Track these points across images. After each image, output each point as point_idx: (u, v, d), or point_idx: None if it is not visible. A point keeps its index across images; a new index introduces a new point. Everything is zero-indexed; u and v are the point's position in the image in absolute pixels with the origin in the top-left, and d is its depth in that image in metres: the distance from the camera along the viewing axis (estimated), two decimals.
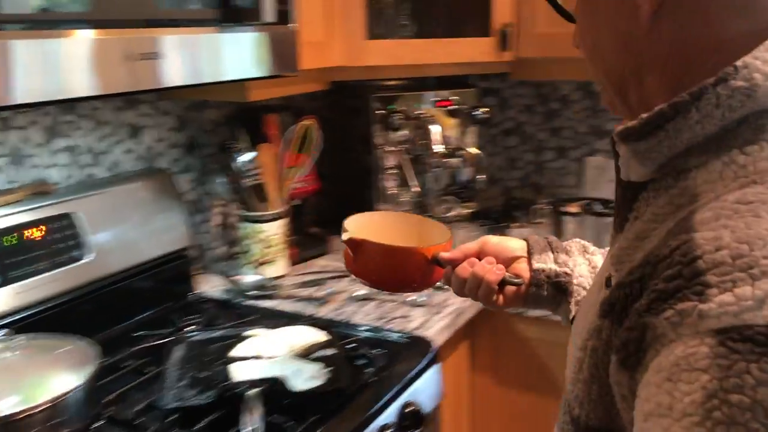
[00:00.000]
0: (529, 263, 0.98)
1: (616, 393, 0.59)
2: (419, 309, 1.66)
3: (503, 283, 0.96)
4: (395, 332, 1.54)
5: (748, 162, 0.57)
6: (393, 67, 1.94)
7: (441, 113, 2.08)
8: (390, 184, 2.08)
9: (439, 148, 2.01)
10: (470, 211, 2.08)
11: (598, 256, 1.00)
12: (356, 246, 1.04)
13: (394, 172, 2.08)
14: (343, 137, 2.27)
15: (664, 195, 0.63)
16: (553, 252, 0.99)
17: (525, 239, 1.02)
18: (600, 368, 0.61)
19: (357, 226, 1.09)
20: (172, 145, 1.82)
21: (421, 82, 2.09)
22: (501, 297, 0.98)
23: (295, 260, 1.97)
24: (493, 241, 1.01)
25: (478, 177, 2.09)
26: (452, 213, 2.05)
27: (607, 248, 0.79)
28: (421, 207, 2.12)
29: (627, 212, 0.68)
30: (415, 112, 2.05)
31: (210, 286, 1.83)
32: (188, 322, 1.59)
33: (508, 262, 0.99)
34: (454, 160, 2.02)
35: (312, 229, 2.13)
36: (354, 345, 1.45)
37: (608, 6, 0.65)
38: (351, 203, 2.36)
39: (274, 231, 1.83)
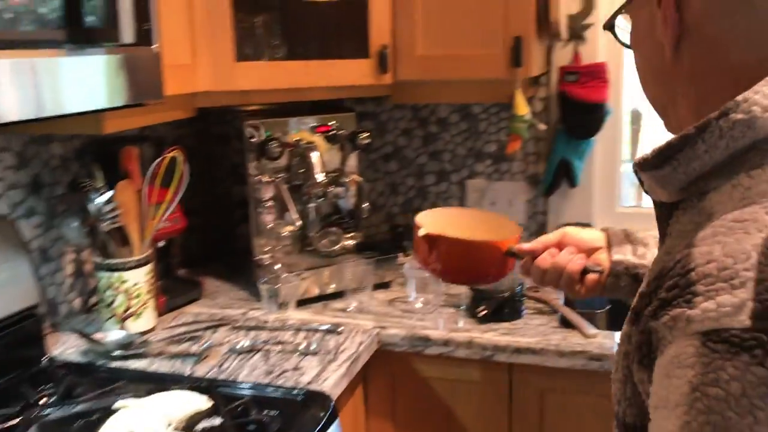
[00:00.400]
0: (609, 254, 1.04)
1: (642, 391, 0.66)
2: (311, 358, 1.50)
3: (584, 272, 1.02)
4: (288, 388, 1.37)
5: (752, 184, 0.64)
6: (266, 92, 1.78)
7: (320, 139, 1.94)
8: (268, 218, 1.91)
9: (320, 176, 1.87)
10: (355, 242, 1.94)
11: None
12: (433, 241, 1.07)
13: (272, 204, 1.91)
14: (210, 168, 2.08)
15: (688, 214, 0.70)
16: (631, 244, 1.03)
17: (604, 230, 1.08)
18: (630, 370, 0.68)
19: (429, 221, 1.12)
20: (11, 185, 1.56)
21: (297, 107, 1.94)
22: (582, 287, 1.03)
23: (164, 310, 1.76)
24: (573, 231, 1.07)
25: (361, 205, 1.97)
26: (337, 246, 1.91)
27: None
28: (302, 240, 1.97)
29: (665, 228, 0.75)
30: (293, 139, 1.90)
31: (66, 347, 1.58)
32: (42, 394, 1.35)
33: (588, 252, 1.05)
34: (336, 189, 1.89)
35: (180, 272, 1.92)
36: (242, 408, 1.27)
37: (644, 45, 0.76)
38: (223, 240, 2.20)
39: (139, 279, 1.61)
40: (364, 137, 1.91)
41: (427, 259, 1.10)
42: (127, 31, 1.13)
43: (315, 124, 1.94)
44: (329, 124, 1.96)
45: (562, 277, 1.03)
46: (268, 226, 1.92)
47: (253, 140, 1.86)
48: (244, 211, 2.03)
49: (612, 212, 2.22)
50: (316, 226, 1.96)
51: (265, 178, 1.89)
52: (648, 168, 0.72)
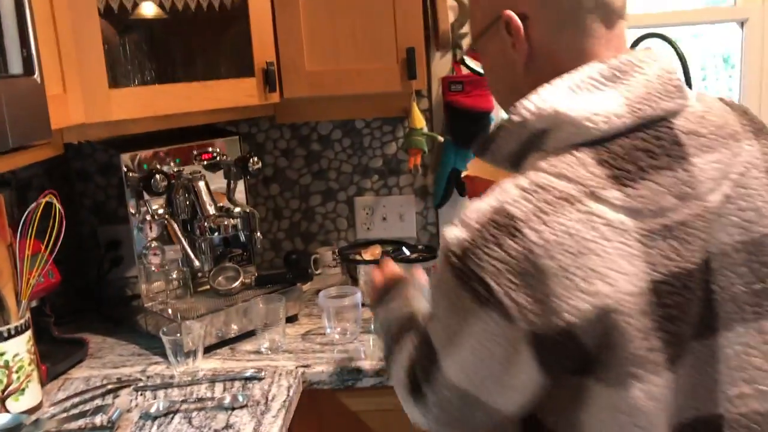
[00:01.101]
0: None
1: None
2: (241, 412, 1.35)
3: None
4: None
5: (528, 164, 0.88)
6: (144, 120, 1.59)
7: (204, 168, 1.77)
8: (154, 260, 1.72)
9: (211, 209, 1.71)
10: (254, 276, 1.79)
11: None
12: (470, 180, 1.53)
13: (156, 245, 1.72)
14: (71, 209, 1.84)
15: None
16: None
17: None
18: None
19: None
20: None
21: (171, 134, 1.76)
22: None
23: (46, 380, 1.51)
24: None
25: (255, 237, 1.83)
26: (236, 283, 1.75)
27: None
28: (193, 281, 1.79)
29: None
30: (176, 169, 1.72)
31: None
32: None
33: None
34: (227, 222, 1.73)
35: (57, 333, 1.67)
36: None
37: (498, 65, 0.99)
38: (94, 288, 1.93)
39: (20, 348, 1.37)
40: (254, 162, 1.77)
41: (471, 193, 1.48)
42: (15, 60, 0.93)
43: (197, 152, 1.77)
44: (210, 151, 1.80)
45: None
46: (154, 270, 1.73)
47: (132, 175, 1.66)
48: (116, 253, 1.82)
49: None
50: (209, 264, 1.79)
51: (148, 217, 1.70)
52: (480, 153, 0.98)
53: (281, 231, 2.23)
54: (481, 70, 1.05)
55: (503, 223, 0.81)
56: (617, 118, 0.85)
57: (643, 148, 0.85)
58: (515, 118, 0.89)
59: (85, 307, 1.91)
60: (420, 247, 1.67)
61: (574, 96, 0.87)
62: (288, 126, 2.15)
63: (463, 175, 1.41)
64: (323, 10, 1.75)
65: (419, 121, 1.82)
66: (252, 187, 2.17)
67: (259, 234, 1.83)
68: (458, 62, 0.99)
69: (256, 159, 1.77)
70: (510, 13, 0.92)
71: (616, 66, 0.89)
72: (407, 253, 1.64)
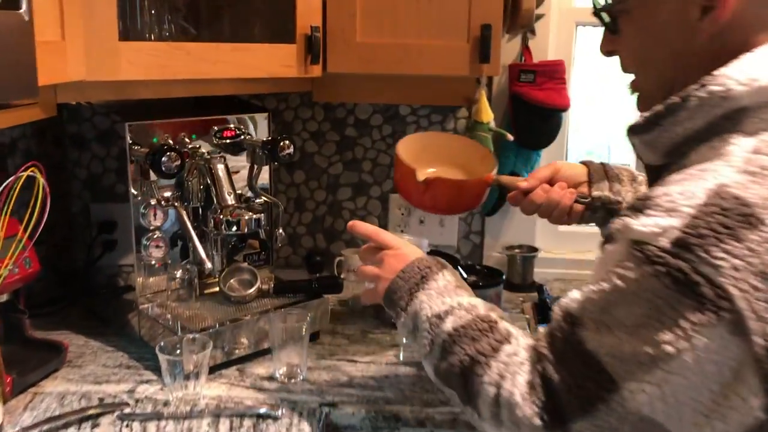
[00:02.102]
0: (589, 189, 1.19)
1: None
2: None
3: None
4: None
5: (722, 145, 0.75)
6: (158, 83, 1.30)
7: (224, 149, 1.47)
8: (156, 253, 1.42)
9: (230, 198, 1.41)
10: (273, 282, 1.50)
11: (644, 187, 1.17)
12: (429, 183, 1.19)
13: (161, 236, 1.42)
14: (61, 180, 1.55)
15: (673, 174, 0.77)
16: (609, 181, 1.19)
17: (584, 164, 1.22)
18: None
19: (409, 151, 1.25)
20: None
21: (192, 104, 1.47)
22: (569, 218, 1.19)
23: (11, 394, 1.22)
24: (565, 167, 1.20)
25: (276, 234, 1.53)
26: (252, 289, 1.46)
27: None
28: (203, 282, 1.49)
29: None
30: (190, 146, 1.43)
31: None
32: None
33: (574, 186, 1.20)
34: (248, 215, 1.43)
35: (30, 333, 1.38)
36: None
37: (665, 29, 0.82)
38: (81, 276, 1.63)
39: None
40: (286, 146, 1.47)
41: (420, 199, 1.21)
42: None
43: (217, 129, 1.47)
44: (232, 127, 1.50)
45: (555, 210, 1.18)
46: (157, 265, 1.44)
47: (137, 148, 1.36)
48: (109, 236, 1.53)
49: (555, 232, 1.95)
50: (219, 261, 1.50)
51: (153, 201, 1.40)
52: (638, 132, 0.83)
53: (302, 225, 1.93)
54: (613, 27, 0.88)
55: (736, 211, 0.68)
56: None
57: None
58: (715, 88, 0.75)
59: (68, 296, 1.62)
60: (479, 267, 1.37)
61: None
62: (321, 105, 1.85)
63: (420, 179, 1.17)
64: None
65: (487, 114, 1.53)
66: (274, 172, 1.87)
67: (281, 230, 1.54)
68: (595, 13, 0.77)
69: (288, 143, 1.47)
70: None
71: None
72: (462, 273, 1.34)
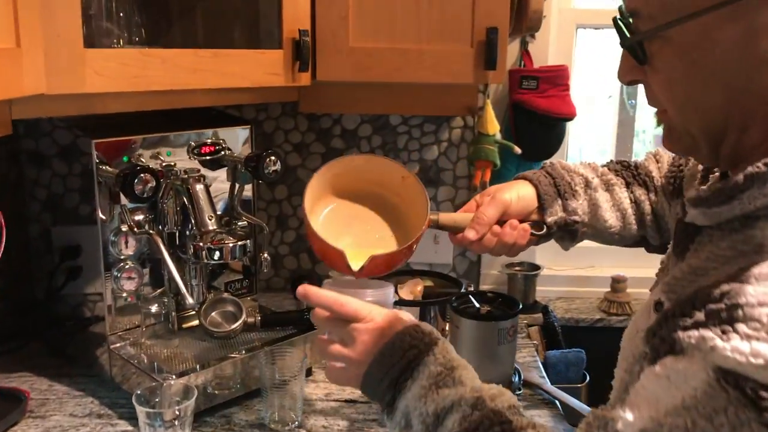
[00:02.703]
0: (543, 215, 1.04)
1: None
2: None
3: None
4: None
5: None
6: (128, 96, 1.14)
7: (203, 165, 1.33)
8: (129, 286, 1.27)
9: (210, 222, 1.26)
10: (260, 316, 1.35)
11: (600, 193, 1.06)
12: (364, 268, 0.96)
13: (133, 266, 1.27)
14: (27, 204, 1.38)
15: (727, 238, 0.64)
16: (562, 199, 1.04)
17: (535, 185, 1.05)
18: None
19: (314, 205, 1.02)
20: None
21: (166, 118, 1.31)
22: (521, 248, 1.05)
23: None
24: (514, 202, 1.03)
25: (260, 260, 1.39)
26: (237, 323, 1.31)
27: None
28: (181, 315, 1.34)
29: (688, 242, 0.70)
30: (165, 165, 1.27)
31: None
32: None
33: (528, 216, 1.05)
34: (230, 241, 1.28)
35: None
36: None
37: (722, 62, 0.62)
38: (41, 308, 1.45)
39: None
40: (271, 162, 1.32)
41: (355, 275, 0.97)
42: None
43: (195, 144, 1.32)
44: (211, 142, 1.35)
45: (510, 250, 1.04)
46: (128, 299, 1.28)
47: (106, 169, 1.20)
48: (74, 262, 1.37)
49: (556, 247, 1.83)
50: (198, 291, 1.35)
51: (124, 227, 1.25)
52: (705, 206, 0.66)
53: (284, 245, 1.79)
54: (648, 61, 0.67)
55: None
56: None
57: None
58: None
59: (28, 330, 1.45)
60: (491, 294, 1.23)
61: None
62: (305, 115, 1.70)
63: (355, 268, 0.94)
64: None
65: (493, 125, 1.41)
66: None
67: (266, 255, 1.40)
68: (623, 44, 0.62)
69: (273, 158, 1.33)
70: None
71: None
72: (475, 303, 1.21)
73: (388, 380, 0.78)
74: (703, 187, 0.68)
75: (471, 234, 1.01)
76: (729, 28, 0.60)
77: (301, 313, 1.37)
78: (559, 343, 1.58)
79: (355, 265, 0.95)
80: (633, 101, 1.95)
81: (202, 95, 1.25)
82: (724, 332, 0.55)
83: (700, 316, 0.58)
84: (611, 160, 1.12)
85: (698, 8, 0.61)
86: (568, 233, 1.06)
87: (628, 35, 0.66)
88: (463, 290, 1.37)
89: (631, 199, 1.06)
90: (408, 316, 0.86)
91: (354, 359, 0.81)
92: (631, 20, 0.66)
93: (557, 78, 1.56)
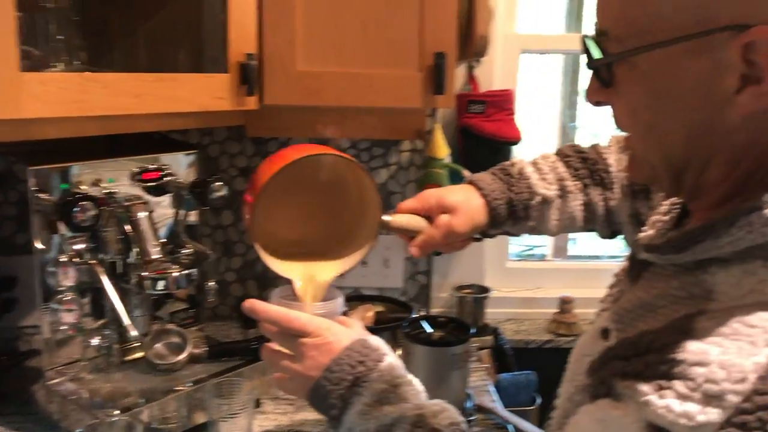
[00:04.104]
0: (489, 229, 1.01)
1: None
2: None
3: None
4: None
5: (765, 275, 0.57)
6: (67, 121, 1.10)
7: (146, 192, 1.29)
8: (68, 318, 1.21)
9: (154, 251, 1.22)
10: (206, 346, 1.31)
11: (553, 207, 1.01)
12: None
13: (73, 297, 1.21)
14: None
15: (680, 277, 0.63)
16: (512, 219, 1.00)
17: (488, 203, 0.98)
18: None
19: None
20: None
21: (106, 144, 1.27)
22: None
23: None
24: (464, 230, 0.97)
25: (207, 288, 1.35)
26: (183, 355, 1.27)
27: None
28: (123, 348, 1.29)
29: (643, 269, 0.69)
30: (106, 192, 1.23)
31: None
32: None
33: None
34: (175, 270, 1.24)
35: None
36: None
37: (686, 95, 0.60)
38: None
39: None
40: (217, 188, 1.29)
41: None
42: None
43: (137, 170, 1.28)
44: (154, 168, 1.32)
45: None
46: (68, 332, 1.23)
47: (43, 197, 1.15)
48: (8, 294, 1.31)
49: (504, 269, 1.85)
50: (143, 324, 1.30)
51: (64, 257, 1.20)
52: (659, 253, 0.65)
53: (231, 271, 1.75)
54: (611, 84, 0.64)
55: None
56: None
57: None
58: None
59: None
60: (443, 319, 1.22)
61: None
62: (252, 139, 1.68)
63: (308, 300, 0.90)
64: None
65: (442, 149, 1.41)
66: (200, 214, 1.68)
67: (212, 283, 1.36)
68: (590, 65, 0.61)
69: (220, 184, 1.30)
70: None
71: None
72: (427, 329, 1.20)
73: (334, 396, 0.79)
74: (657, 238, 0.67)
75: (414, 252, 0.99)
76: (695, 61, 0.58)
77: (249, 343, 1.33)
78: (510, 365, 1.58)
79: (304, 296, 0.92)
80: (573, 124, 1.99)
81: (145, 120, 1.21)
82: (660, 388, 0.54)
83: (640, 365, 0.57)
84: (573, 150, 1.06)
85: (666, 37, 0.58)
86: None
87: (595, 56, 0.64)
88: (414, 315, 1.36)
89: (584, 203, 1.02)
90: (358, 327, 0.87)
91: (302, 374, 0.82)
92: (601, 40, 0.63)
93: (503, 102, 1.58)
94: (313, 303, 0.90)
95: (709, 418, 0.51)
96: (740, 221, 0.58)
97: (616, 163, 1.03)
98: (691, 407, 0.52)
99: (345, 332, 0.83)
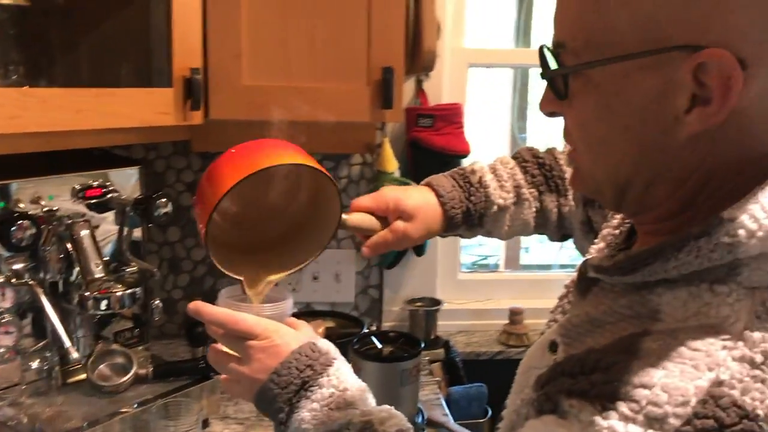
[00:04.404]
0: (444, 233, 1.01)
1: None
2: None
3: None
4: None
5: (713, 302, 0.57)
6: (4, 138, 1.07)
7: (88, 209, 1.26)
8: (6, 341, 1.17)
9: (97, 270, 1.19)
10: (152, 366, 1.28)
11: (508, 215, 1.01)
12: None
13: (10, 319, 1.18)
14: None
15: (627, 296, 0.63)
16: (467, 226, 1.00)
17: (445, 211, 0.98)
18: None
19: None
20: None
21: (47, 160, 1.24)
22: None
23: None
24: (419, 235, 0.96)
25: (151, 306, 1.33)
26: (128, 376, 1.23)
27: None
28: (66, 370, 1.25)
29: (591, 284, 0.69)
30: (47, 210, 1.20)
31: None
32: None
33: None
34: (118, 289, 1.21)
35: None
36: None
37: (637, 111, 0.60)
38: None
39: None
40: (162, 205, 1.27)
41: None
42: None
43: (79, 187, 1.25)
44: (97, 185, 1.29)
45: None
46: (5, 354, 1.18)
47: None
48: None
49: (455, 281, 1.86)
50: (87, 345, 1.27)
51: (1, 278, 1.16)
52: (607, 274, 0.65)
53: (178, 289, 1.72)
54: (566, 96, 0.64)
55: (736, 427, 0.51)
56: None
57: None
58: (724, 239, 0.56)
59: None
60: (393, 334, 1.22)
61: None
62: (198, 154, 1.65)
63: (256, 300, 0.87)
64: (274, 6, 1.29)
65: (391, 163, 1.41)
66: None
67: (158, 302, 1.34)
68: (543, 75, 0.61)
69: (164, 200, 1.28)
70: (726, 55, 0.54)
71: None
72: (377, 344, 1.19)
73: (281, 400, 0.77)
74: (606, 260, 0.66)
75: (366, 252, 0.97)
76: (648, 78, 0.58)
77: (197, 362, 1.31)
78: (461, 378, 1.59)
79: (254, 296, 0.88)
80: (524, 135, 2.01)
81: (86, 136, 1.18)
82: (604, 408, 0.54)
83: (585, 384, 0.57)
84: (531, 155, 1.05)
85: (621, 52, 0.58)
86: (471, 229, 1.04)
87: (551, 67, 0.64)
88: (365, 330, 1.35)
89: (537, 210, 1.03)
90: (307, 329, 0.85)
91: (249, 376, 0.80)
92: (558, 52, 0.63)
93: (452, 116, 1.59)
94: (262, 304, 0.87)
95: None
96: (689, 246, 0.58)
97: (569, 169, 1.03)
98: (634, 429, 0.52)
99: (293, 335, 0.82)
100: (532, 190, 1.03)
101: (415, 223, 0.95)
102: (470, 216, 0.99)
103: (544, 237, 1.09)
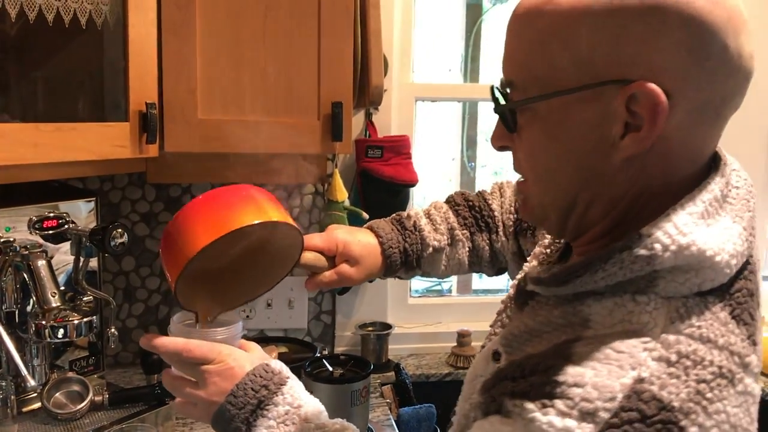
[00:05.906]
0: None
1: None
2: None
3: None
4: None
5: (635, 310, 0.64)
6: None
7: (44, 240, 1.28)
8: None
9: (53, 300, 1.22)
10: (108, 394, 1.30)
11: (443, 256, 1.08)
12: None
13: None
14: None
15: (561, 307, 0.70)
16: (405, 267, 1.06)
17: (386, 259, 1.04)
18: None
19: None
20: None
21: (6, 192, 1.26)
22: None
23: None
24: (361, 276, 1.02)
25: (109, 333, 1.35)
26: (83, 404, 1.26)
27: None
28: (20, 399, 1.27)
29: (528, 298, 0.76)
30: (2, 240, 1.22)
31: None
32: None
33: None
34: (75, 318, 1.24)
35: None
36: None
37: (579, 139, 0.67)
38: None
39: None
40: (118, 235, 1.30)
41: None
42: None
43: (36, 218, 1.28)
44: (53, 216, 1.32)
45: None
46: None
47: None
48: None
49: (406, 306, 1.92)
50: (42, 373, 1.28)
51: None
52: (544, 285, 0.72)
53: (133, 317, 1.74)
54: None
55: (655, 417, 0.58)
56: (741, 256, 0.67)
57: (750, 291, 0.68)
58: (642, 251, 0.63)
59: None
60: (343, 357, 1.27)
61: (707, 228, 0.66)
62: (153, 184, 1.69)
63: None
64: (227, 43, 1.35)
65: (341, 192, 1.47)
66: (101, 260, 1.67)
67: (113, 330, 1.36)
68: (496, 110, 0.65)
69: (120, 231, 1.31)
70: (653, 87, 0.62)
71: (727, 179, 0.69)
72: (328, 367, 1.24)
73: (239, 420, 0.81)
74: (543, 272, 0.72)
75: (310, 287, 1.02)
76: (588, 110, 0.65)
77: (152, 388, 1.34)
78: (411, 399, 1.64)
79: (204, 321, 0.91)
80: (473, 163, 2.09)
81: (44, 169, 1.21)
82: (544, 406, 0.60)
83: (526, 385, 0.63)
84: (462, 198, 1.12)
85: (563, 87, 0.65)
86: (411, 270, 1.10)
87: (501, 103, 0.71)
88: (317, 354, 1.40)
89: (470, 249, 1.10)
90: (258, 351, 0.89)
91: (206, 399, 0.83)
92: (507, 89, 0.70)
93: (400, 147, 1.66)
94: (214, 329, 0.90)
95: (584, 430, 0.58)
96: (613, 258, 0.64)
97: (498, 208, 1.12)
98: (570, 423, 0.58)
99: (246, 357, 0.86)
100: (465, 231, 1.10)
101: (358, 268, 1.02)
102: (408, 257, 1.06)
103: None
